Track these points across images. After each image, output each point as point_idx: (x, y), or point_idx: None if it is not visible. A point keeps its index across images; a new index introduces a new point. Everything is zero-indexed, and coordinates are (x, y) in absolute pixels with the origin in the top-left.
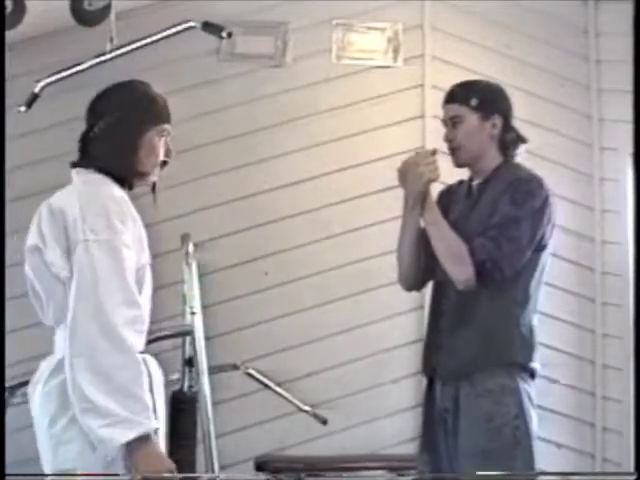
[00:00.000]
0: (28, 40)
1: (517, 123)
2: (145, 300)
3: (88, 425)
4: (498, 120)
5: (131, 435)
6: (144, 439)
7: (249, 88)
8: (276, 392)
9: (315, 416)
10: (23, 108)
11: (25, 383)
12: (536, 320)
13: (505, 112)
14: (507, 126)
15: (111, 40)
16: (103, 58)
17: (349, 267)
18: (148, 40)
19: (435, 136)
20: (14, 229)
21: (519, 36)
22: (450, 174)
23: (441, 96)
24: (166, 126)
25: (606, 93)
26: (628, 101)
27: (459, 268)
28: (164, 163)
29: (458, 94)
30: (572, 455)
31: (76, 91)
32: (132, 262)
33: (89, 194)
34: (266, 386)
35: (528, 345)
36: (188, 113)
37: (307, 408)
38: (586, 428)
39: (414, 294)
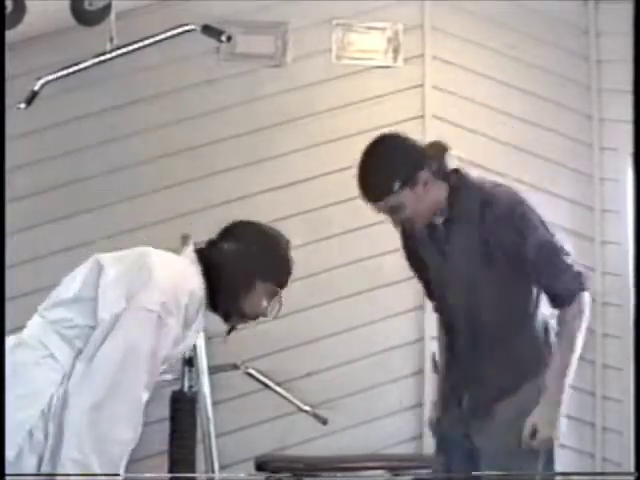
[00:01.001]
0: (28, 40)
1: (518, 123)
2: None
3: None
4: (424, 174)
5: None
6: None
7: (249, 88)
8: (276, 392)
9: (315, 416)
10: (23, 105)
11: None
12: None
13: (420, 164)
14: (432, 165)
15: (111, 40)
16: (103, 58)
17: (349, 267)
18: (147, 41)
19: (435, 136)
20: (14, 229)
21: (519, 36)
22: None
23: (441, 96)
24: (278, 290)
25: (606, 93)
26: (628, 101)
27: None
28: (255, 318)
29: (378, 190)
30: (572, 455)
31: (76, 91)
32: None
33: (174, 267)
34: (266, 386)
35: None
36: (188, 113)
37: (307, 408)
38: (586, 428)
39: (413, 294)
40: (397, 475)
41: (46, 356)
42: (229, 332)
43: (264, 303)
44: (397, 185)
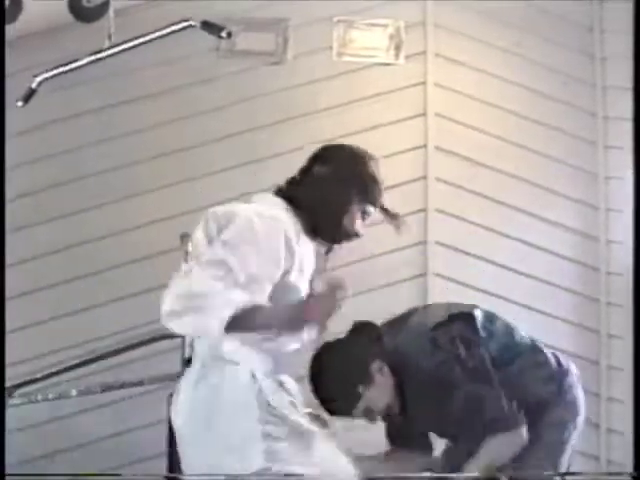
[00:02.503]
0: (26, 37)
1: (522, 121)
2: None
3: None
4: (375, 365)
5: None
6: None
7: (249, 86)
8: None
9: (315, 416)
10: (20, 103)
11: (24, 383)
12: None
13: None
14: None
15: (109, 37)
16: (101, 55)
17: (350, 267)
18: (146, 38)
19: (437, 134)
20: (14, 228)
21: (522, 33)
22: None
23: (444, 93)
24: (370, 209)
25: (611, 91)
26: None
27: None
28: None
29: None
30: (576, 457)
31: (74, 88)
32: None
33: (259, 211)
34: None
35: None
36: (188, 110)
37: (308, 409)
38: (591, 429)
39: (415, 294)
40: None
41: None
42: (327, 252)
43: (359, 222)
44: (361, 388)
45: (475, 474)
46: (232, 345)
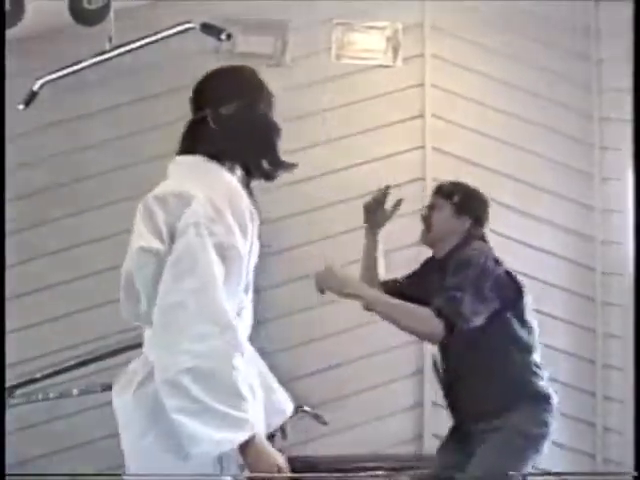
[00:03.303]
0: (27, 39)
1: (519, 122)
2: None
3: (192, 427)
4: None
5: (246, 435)
6: (253, 437)
7: None
8: None
9: (315, 416)
10: (21, 106)
11: (24, 383)
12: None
13: (476, 215)
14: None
15: (110, 39)
16: (102, 57)
17: (349, 267)
18: (147, 40)
19: (434, 135)
20: (14, 228)
21: (519, 35)
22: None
23: (441, 95)
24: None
25: (607, 92)
26: (629, 100)
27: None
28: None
29: (444, 189)
30: (573, 455)
31: (75, 91)
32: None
33: (209, 182)
34: None
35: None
36: (187, 113)
37: (307, 408)
38: (587, 428)
39: None
40: (397, 475)
41: None
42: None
43: None
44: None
45: None
46: None
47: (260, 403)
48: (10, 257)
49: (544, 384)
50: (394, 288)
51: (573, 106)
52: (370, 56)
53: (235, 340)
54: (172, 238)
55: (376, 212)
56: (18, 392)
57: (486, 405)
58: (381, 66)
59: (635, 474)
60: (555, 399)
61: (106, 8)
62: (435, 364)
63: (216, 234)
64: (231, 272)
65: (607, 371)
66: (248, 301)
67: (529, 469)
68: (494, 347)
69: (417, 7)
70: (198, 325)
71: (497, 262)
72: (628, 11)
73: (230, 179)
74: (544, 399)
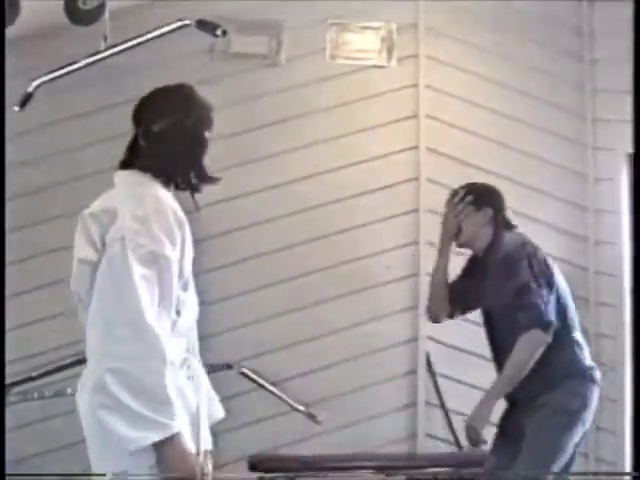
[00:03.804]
0: (22, 39)
1: (513, 123)
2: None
3: (110, 424)
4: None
5: (160, 436)
6: (169, 440)
7: (243, 87)
8: (270, 391)
9: (309, 415)
10: (17, 108)
11: (21, 382)
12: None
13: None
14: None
15: (105, 39)
16: (97, 57)
17: (343, 267)
18: (142, 38)
19: (429, 136)
20: (14, 228)
21: (513, 36)
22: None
23: (435, 96)
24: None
25: (600, 93)
26: (622, 101)
27: None
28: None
29: (458, 193)
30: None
31: (70, 90)
32: (169, 273)
33: (138, 195)
34: (260, 385)
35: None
36: None
37: (301, 407)
38: None
39: (407, 294)
40: (390, 474)
41: None
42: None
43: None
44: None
45: None
46: None
47: (201, 415)
48: (8, 255)
49: (588, 360)
50: (453, 291)
51: (566, 106)
52: (364, 56)
53: (155, 344)
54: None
55: (451, 220)
56: (14, 390)
57: (536, 382)
58: (375, 66)
59: (636, 474)
60: (598, 374)
61: (101, 8)
62: (429, 365)
63: (142, 245)
64: (161, 278)
65: (601, 370)
66: (189, 296)
67: (579, 441)
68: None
69: (411, 7)
70: (117, 329)
71: (534, 247)
72: (622, 11)
73: (157, 191)
74: (587, 374)
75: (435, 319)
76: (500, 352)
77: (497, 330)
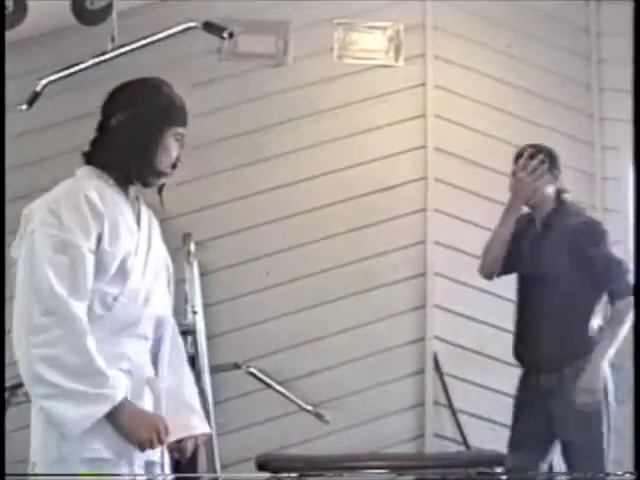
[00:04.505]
0: (30, 39)
1: (520, 122)
2: (140, 285)
3: (59, 410)
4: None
5: (108, 406)
6: (119, 409)
7: (250, 87)
8: (278, 391)
9: (317, 415)
10: (24, 106)
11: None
12: None
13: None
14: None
15: (112, 39)
16: (104, 57)
17: (350, 266)
18: (149, 39)
19: (436, 135)
20: (14, 229)
21: (520, 35)
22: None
23: (443, 95)
24: (181, 130)
25: (607, 92)
26: (629, 100)
27: None
28: (173, 167)
29: (529, 152)
30: None
31: (77, 90)
32: (83, 260)
33: (61, 190)
34: (268, 385)
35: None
36: (189, 112)
37: (309, 407)
38: None
39: (414, 294)
40: (399, 474)
41: None
42: (160, 193)
43: (174, 151)
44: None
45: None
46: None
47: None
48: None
49: None
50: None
51: (574, 106)
52: (372, 56)
53: (79, 326)
54: None
55: (525, 178)
56: (22, 390)
57: (565, 350)
58: (383, 66)
59: (637, 474)
60: None
61: (108, 8)
62: (437, 364)
63: (53, 235)
64: (76, 267)
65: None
66: (131, 288)
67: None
68: (578, 296)
69: (419, 7)
70: (38, 318)
71: None
72: (629, 11)
73: (86, 185)
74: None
75: (489, 276)
76: (541, 317)
77: (544, 295)
